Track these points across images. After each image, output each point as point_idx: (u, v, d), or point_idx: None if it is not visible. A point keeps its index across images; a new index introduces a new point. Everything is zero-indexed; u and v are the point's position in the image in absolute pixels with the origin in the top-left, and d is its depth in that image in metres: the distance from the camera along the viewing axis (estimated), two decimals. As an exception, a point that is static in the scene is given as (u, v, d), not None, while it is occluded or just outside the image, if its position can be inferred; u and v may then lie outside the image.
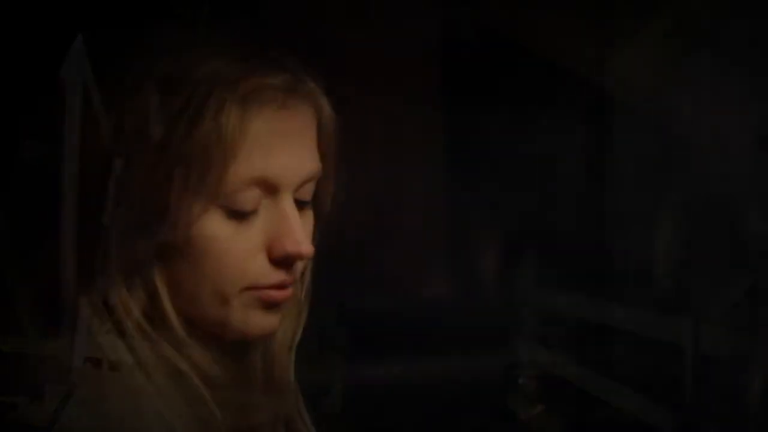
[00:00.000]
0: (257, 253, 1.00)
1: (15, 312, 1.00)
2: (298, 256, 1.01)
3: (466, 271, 2.09)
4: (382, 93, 1.94)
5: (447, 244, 2.09)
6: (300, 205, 1.03)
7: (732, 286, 1.32)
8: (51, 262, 0.98)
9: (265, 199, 1.00)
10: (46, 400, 0.94)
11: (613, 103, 1.24)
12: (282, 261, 1.00)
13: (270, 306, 1.02)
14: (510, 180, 2.03)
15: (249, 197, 0.98)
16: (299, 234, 1.01)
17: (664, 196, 1.88)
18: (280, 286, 1.01)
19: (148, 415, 0.96)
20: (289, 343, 1.10)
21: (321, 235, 1.09)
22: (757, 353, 1.13)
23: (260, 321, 1.02)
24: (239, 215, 0.99)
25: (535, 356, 1.92)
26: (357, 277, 1.96)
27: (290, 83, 1.01)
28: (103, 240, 0.96)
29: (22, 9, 1.06)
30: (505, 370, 1.89)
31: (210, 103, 0.95)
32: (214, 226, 0.98)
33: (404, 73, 1.97)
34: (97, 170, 0.95)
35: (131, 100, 0.95)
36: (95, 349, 0.97)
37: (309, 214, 1.05)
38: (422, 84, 2.00)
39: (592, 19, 1.21)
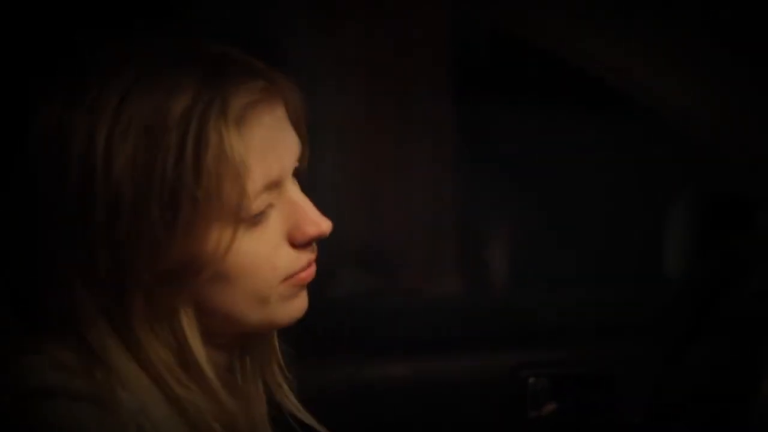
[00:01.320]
0: (281, 246, 1.01)
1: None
2: (322, 235, 1.02)
3: (474, 271, 2.08)
4: (391, 90, 1.94)
5: (455, 243, 2.08)
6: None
7: (742, 285, 1.31)
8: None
9: (273, 193, 1.00)
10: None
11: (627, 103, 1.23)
12: (305, 244, 1.02)
13: (302, 288, 1.04)
14: (519, 178, 2.03)
15: (261, 202, 0.99)
16: (315, 215, 1.02)
17: (674, 192, 1.88)
18: (307, 266, 1.03)
19: None
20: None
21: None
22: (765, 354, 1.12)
23: (298, 305, 1.04)
24: (255, 220, 0.99)
25: (545, 356, 1.91)
26: (365, 276, 1.96)
27: (265, 86, 1.00)
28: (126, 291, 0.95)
29: (23, 10, 1.05)
30: (514, 370, 1.88)
31: (209, 136, 0.94)
32: (232, 242, 0.97)
33: (413, 71, 1.97)
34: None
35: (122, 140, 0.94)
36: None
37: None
38: (430, 82, 2.00)
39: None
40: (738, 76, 1.15)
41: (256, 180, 0.97)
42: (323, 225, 1.02)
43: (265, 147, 0.98)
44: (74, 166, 0.93)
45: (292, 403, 1.14)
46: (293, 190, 1.02)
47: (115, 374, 0.96)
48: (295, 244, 1.01)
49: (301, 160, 1.04)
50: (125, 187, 0.93)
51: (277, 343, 1.13)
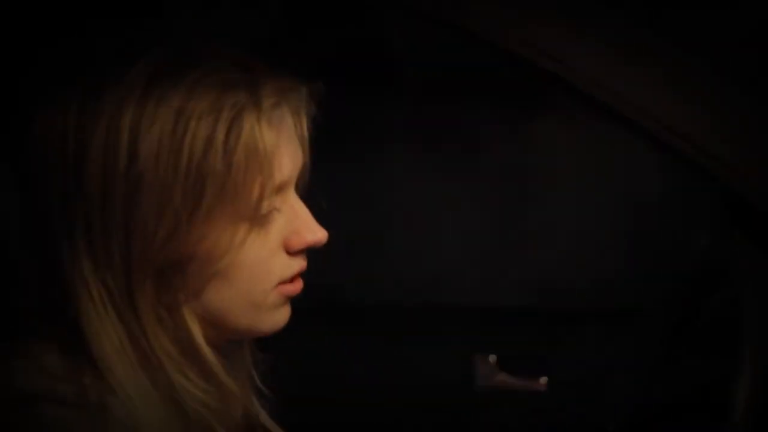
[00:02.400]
0: (277, 251, 1.01)
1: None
2: (318, 244, 1.03)
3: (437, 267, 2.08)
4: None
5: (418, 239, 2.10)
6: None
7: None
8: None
9: (279, 196, 1.00)
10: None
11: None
12: (300, 251, 1.03)
13: (288, 299, 1.04)
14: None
15: (272, 202, 0.99)
16: (313, 223, 1.03)
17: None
18: (297, 277, 1.03)
19: None
20: None
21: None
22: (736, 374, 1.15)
23: (283, 315, 1.04)
24: (264, 220, 0.99)
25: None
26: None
27: (291, 87, 1.00)
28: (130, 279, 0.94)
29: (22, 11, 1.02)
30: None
31: (241, 126, 0.94)
32: (243, 239, 0.97)
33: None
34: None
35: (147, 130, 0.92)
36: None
37: None
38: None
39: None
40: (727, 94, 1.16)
41: (276, 177, 0.97)
42: (320, 234, 1.03)
43: (286, 147, 0.99)
44: (97, 148, 0.92)
45: (260, 412, 1.14)
46: (294, 198, 1.03)
47: (106, 376, 0.94)
48: (291, 251, 1.02)
49: (302, 171, 1.04)
50: (149, 171, 0.92)
51: (250, 353, 1.13)
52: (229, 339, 1.05)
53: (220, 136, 0.93)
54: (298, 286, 1.04)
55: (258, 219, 0.98)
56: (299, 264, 1.03)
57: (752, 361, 1.16)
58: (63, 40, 0.99)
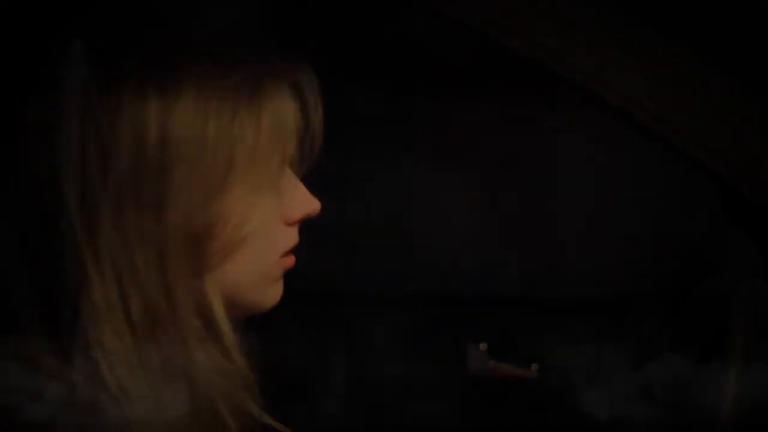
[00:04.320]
0: (279, 222, 1.03)
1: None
2: (312, 214, 1.05)
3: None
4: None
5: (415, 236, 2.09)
6: None
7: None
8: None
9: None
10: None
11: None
12: (296, 223, 1.05)
13: (283, 274, 1.05)
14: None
15: (285, 171, 1.02)
16: (308, 194, 1.05)
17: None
18: (290, 251, 1.05)
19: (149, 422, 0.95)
20: None
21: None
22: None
23: (279, 290, 1.06)
24: (275, 189, 1.01)
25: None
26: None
27: (301, 65, 1.03)
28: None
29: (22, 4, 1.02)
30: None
31: (262, 95, 0.97)
32: (263, 207, 1.00)
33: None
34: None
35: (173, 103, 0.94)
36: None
37: None
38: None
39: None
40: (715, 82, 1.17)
41: (290, 147, 1.01)
42: (316, 204, 1.05)
43: (297, 120, 1.02)
44: (126, 127, 0.93)
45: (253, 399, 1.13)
46: (289, 171, 1.05)
47: (100, 365, 0.93)
48: (289, 221, 1.04)
49: (311, 154, 1.07)
50: (179, 148, 0.93)
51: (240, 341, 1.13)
52: (233, 316, 1.04)
53: (244, 104, 0.96)
54: (293, 258, 1.06)
55: (274, 187, 1.01)
56: (295, 236, 1.05)
57: (742, 348, 1.17)
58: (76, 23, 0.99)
